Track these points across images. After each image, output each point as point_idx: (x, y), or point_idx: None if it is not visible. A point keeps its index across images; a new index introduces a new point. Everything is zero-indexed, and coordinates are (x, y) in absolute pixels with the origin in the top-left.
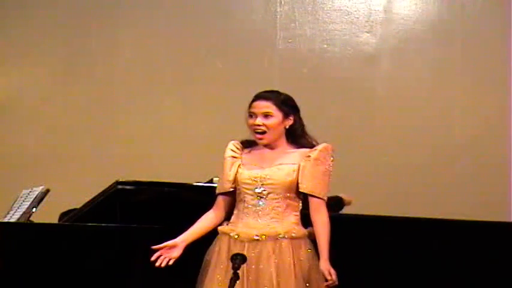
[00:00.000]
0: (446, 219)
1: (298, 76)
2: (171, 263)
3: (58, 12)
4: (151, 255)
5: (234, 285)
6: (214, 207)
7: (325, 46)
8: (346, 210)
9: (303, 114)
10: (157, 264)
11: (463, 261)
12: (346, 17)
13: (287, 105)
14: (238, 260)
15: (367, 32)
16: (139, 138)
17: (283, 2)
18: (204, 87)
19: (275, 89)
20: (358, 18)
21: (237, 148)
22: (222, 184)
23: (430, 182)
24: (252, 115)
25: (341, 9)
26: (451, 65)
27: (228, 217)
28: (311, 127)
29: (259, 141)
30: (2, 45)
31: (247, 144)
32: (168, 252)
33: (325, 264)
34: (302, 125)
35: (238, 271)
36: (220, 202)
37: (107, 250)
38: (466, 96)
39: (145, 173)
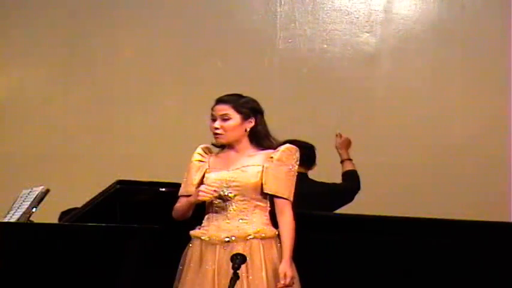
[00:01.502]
0: (446, 219)
1: (298, 76)
2: None
3: (58, 12)
4: (151, 255)
5: (234, 285)
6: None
7: (325, 46)
8: (346, 210)
9: (303, 114)
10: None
11: (463, 261)
12: (346, 17)
13: (247, 107)
14: (238, 260)
15: (367, 32)
16: (139, 138)
17: (283, 2)
18: (204, 87)
19: (275, 88)
20: (358, 18)
21: (205, 152)
22: (186, 187)
23: (430, 182)
24: (212, 118)
25: (341, 9)
26: (451, 65)
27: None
28: (311, 127)
29: (216, 142)
30: (2, 45)
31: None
32: None
33: (284, 266)
34: (265, 127)
35: (238, 271)
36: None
37: (107, 250)
38: (466, 96)
39: (146, 173)
